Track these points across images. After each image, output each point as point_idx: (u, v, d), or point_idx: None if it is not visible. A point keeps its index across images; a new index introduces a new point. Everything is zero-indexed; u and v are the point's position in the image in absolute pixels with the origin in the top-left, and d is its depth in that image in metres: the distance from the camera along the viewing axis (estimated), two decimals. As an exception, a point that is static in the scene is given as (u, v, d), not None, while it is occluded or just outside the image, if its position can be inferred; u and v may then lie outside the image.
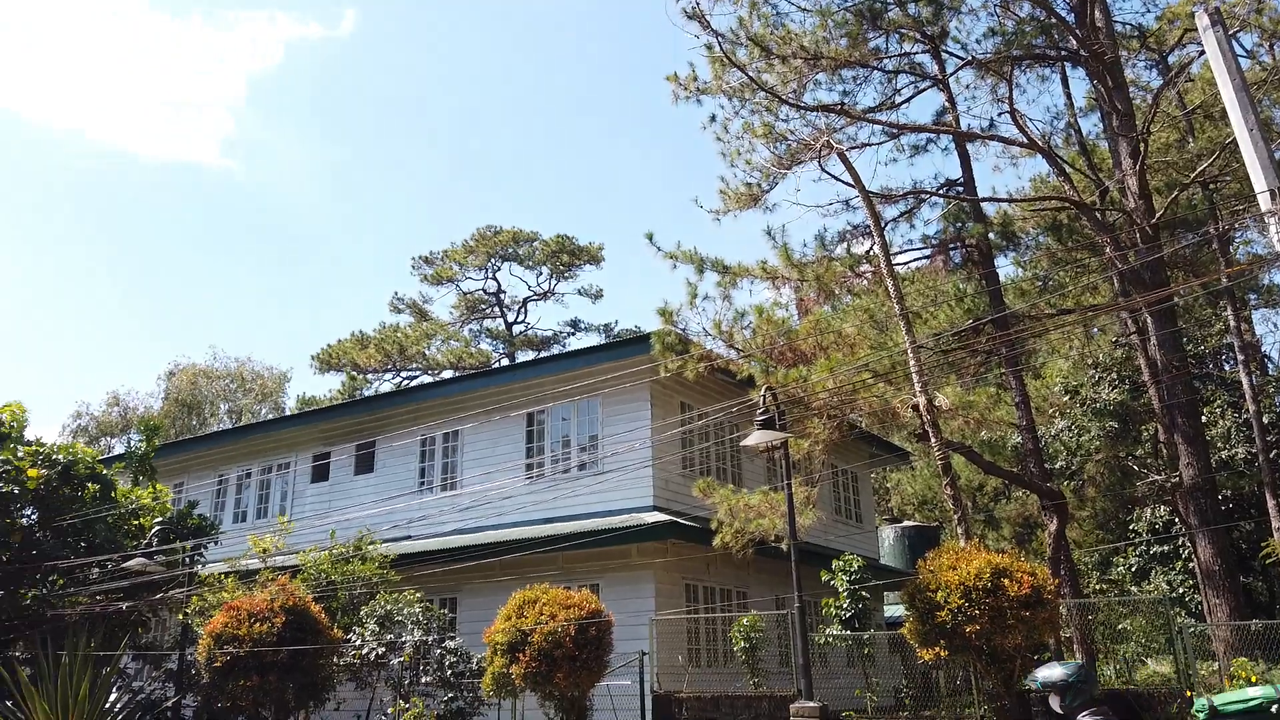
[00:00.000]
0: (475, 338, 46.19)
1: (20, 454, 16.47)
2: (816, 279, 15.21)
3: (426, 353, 42.63)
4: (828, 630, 13.39)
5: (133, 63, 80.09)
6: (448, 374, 39.66)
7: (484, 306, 46.78)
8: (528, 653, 11.64)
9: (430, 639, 14.82)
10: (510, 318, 46.78)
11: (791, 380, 13.66)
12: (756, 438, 12.31)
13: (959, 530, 12.90)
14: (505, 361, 42.23)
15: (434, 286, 46.36)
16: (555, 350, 43.11)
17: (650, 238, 15.74)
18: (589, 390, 17.25)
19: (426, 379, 40.45)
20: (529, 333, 46.55)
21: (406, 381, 41.99)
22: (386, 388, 41.88)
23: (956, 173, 17.37)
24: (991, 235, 16.37)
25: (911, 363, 13.07)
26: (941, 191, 16.79)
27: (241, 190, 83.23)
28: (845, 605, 13.47)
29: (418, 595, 15.78)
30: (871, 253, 16.10)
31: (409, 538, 18.71)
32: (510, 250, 44.83)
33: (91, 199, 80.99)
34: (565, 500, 17.44)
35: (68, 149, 78.94)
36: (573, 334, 46.53)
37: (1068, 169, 16.23)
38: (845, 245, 16.68)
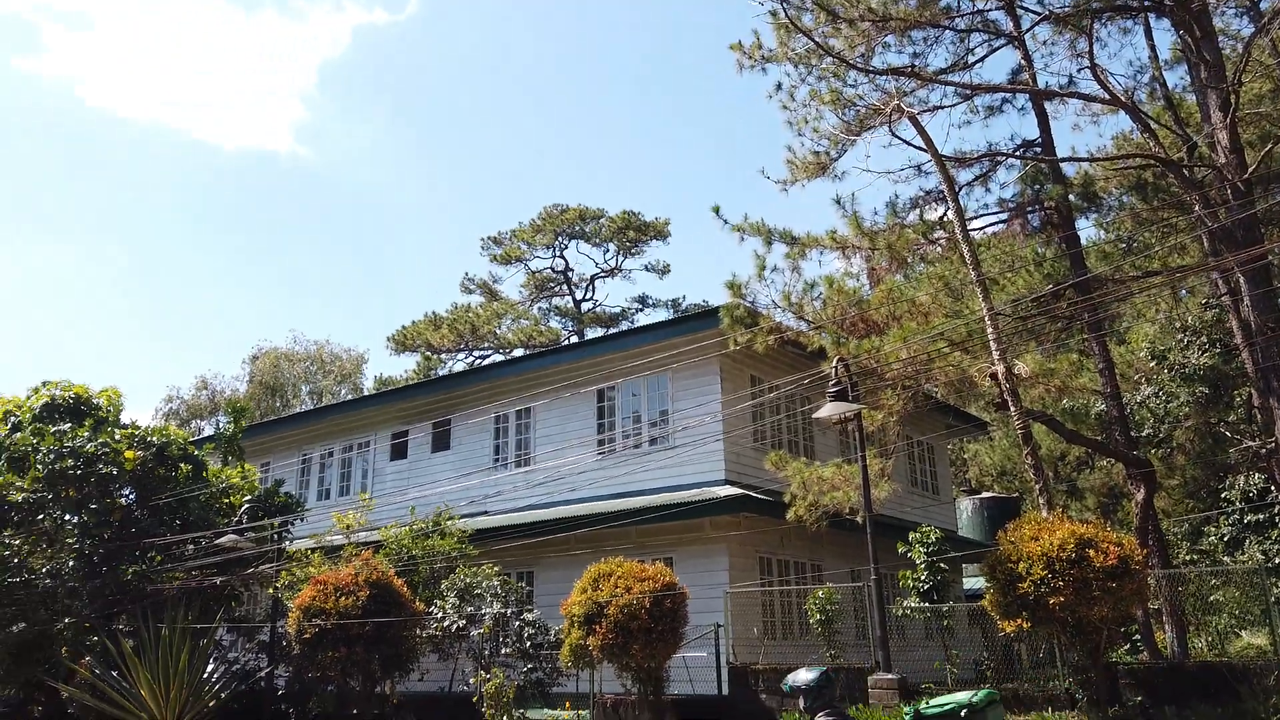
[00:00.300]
0: (544, 316, 46.62)
1: (118, 437, 17.24)
2: (888, 247, 14.90)
3: (497, 332, 43.18)
4: (905, 603, 13.25)
5: (211, 56, 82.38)
6: (518, 352, 40.12)
7: (552, 285, 47.12)
8: (604, 625, 11.79)
9: (509, 611, 15.12)
10: (578, 295, 47.06)
11: (864, 351, 13.46)
12: (829, 410, 12.19)
13: (1041, 501, 12.60)
14: (574, 339, 42.51)
15: (503, 266, 46.88)
16: (624, 327, 43.20)
17: (717, 210, 15.63)
18: (658, 366, 17.27)
19: (498, 358, 41.01)
20: (597, 310, 46.75)
21: (479, 361, 42.64)
22: (459, 367, 42.61)
23: (1034, 133, 16.80)
24: (1072, 197, 15.80)
25: (989, 330, 12.75)
26: (1018, 153, 16.24)
27: (315, 176, 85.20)
28: (923, 577, 13.31)
29: (495, 569, 16.09)
30: (945, 218, 15.70)
31: (485, 513, 19.07)
32: (577, 228, 44.99)
33: (177, 190, 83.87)
34: (637, 475, 17.54)
35: (153, 141, 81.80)
36: (641, 310, 46.62)
37: (1152, 125, 15.54)
38: (918, 212, 16.31)
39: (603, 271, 46.48)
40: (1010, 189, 16.50)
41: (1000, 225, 17.49)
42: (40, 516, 16.63)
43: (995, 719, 9.52)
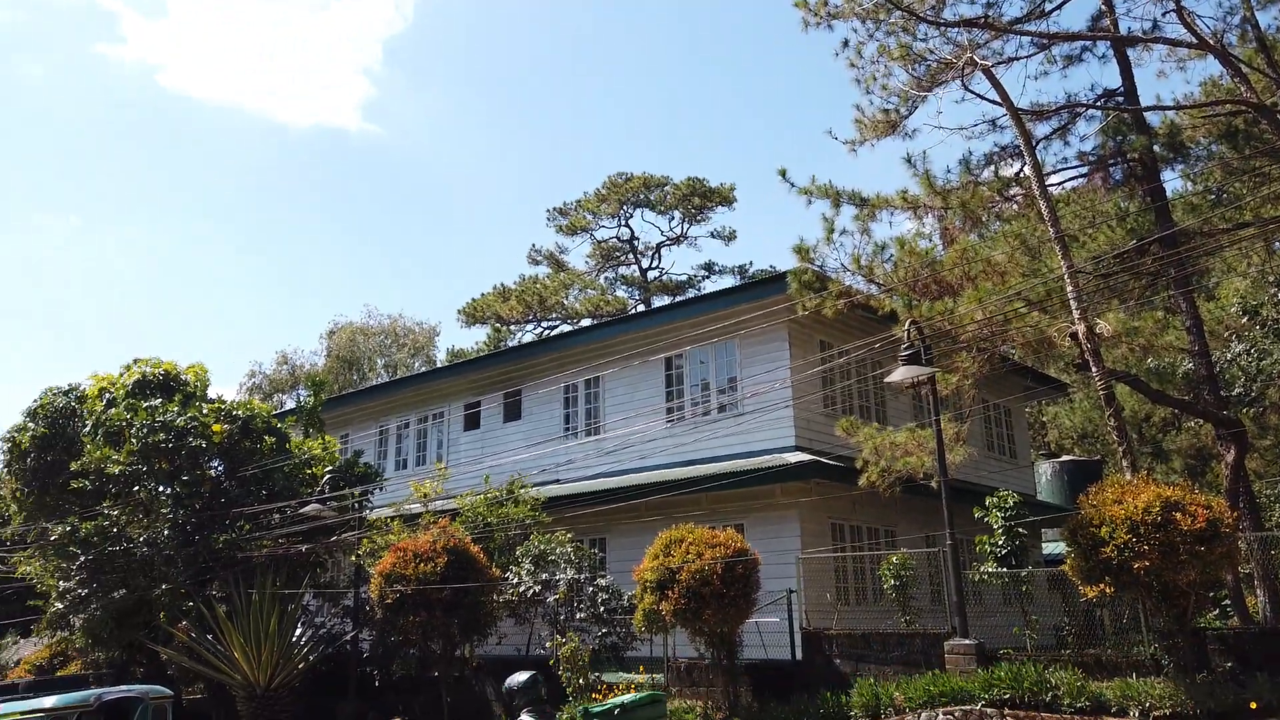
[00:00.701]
0: (611, 285, 46.71)
1: (205, 411, 17.91)
2: (962, 205, 14.49)
3: (565, 302, 43.46)
4: (982, 568, 13.04)
5: (278, 37, 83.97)
6: (586, 322, 40.33)
7: (618, 254, 47.14)
8: (676, 590, 11.88)
9: (582, 577, 15.35)
10: (644, 264, 46.99)
11: (937, 313, 13.17)
12: (901, 374, 12.00)
13: (1124, 463, 12.23)
14: (641, 308, 42.55)
15: (569, 237, 47.05)
16: (690, 294, 43.05)
17: (783, 174, 15.39)
18: (726, 333, 17.18)
19: (566, 328, 41.30)
20: (664, 278, 46.65)
21: (547, 331, 43.03)
22: (529, 338, 43.06)
23: (1115, 82, 16.10)
24: (1156, 147, 15.11)
25: (1069, 289, 12.34)
26: (1099, 103, 15.57)
27: (384, 152, 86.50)
28: (1000, 542, 13.07)
29: (569, 536, 16.32)
30: (1022, 174, 15.19)
31: (557, 481, 19.32)
32: (641, 196, 44.83)
33: (252, 170, 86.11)
34: (707, 442, 17.55)
35: (228, 123, 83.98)
36: (707, 277, 46.36)
37: (1244, 69, 14.73)
38: (992, 168, 15.78)
39: (668, 239, 46.32)
40: (1090, 141, 15.86)
41: (1080, 180, 16.85)
42: (136, 488, 17.43)
43: (650, 716, 11.14)
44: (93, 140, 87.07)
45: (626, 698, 11.06)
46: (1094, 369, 12.39)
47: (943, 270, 14.08)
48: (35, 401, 19.46)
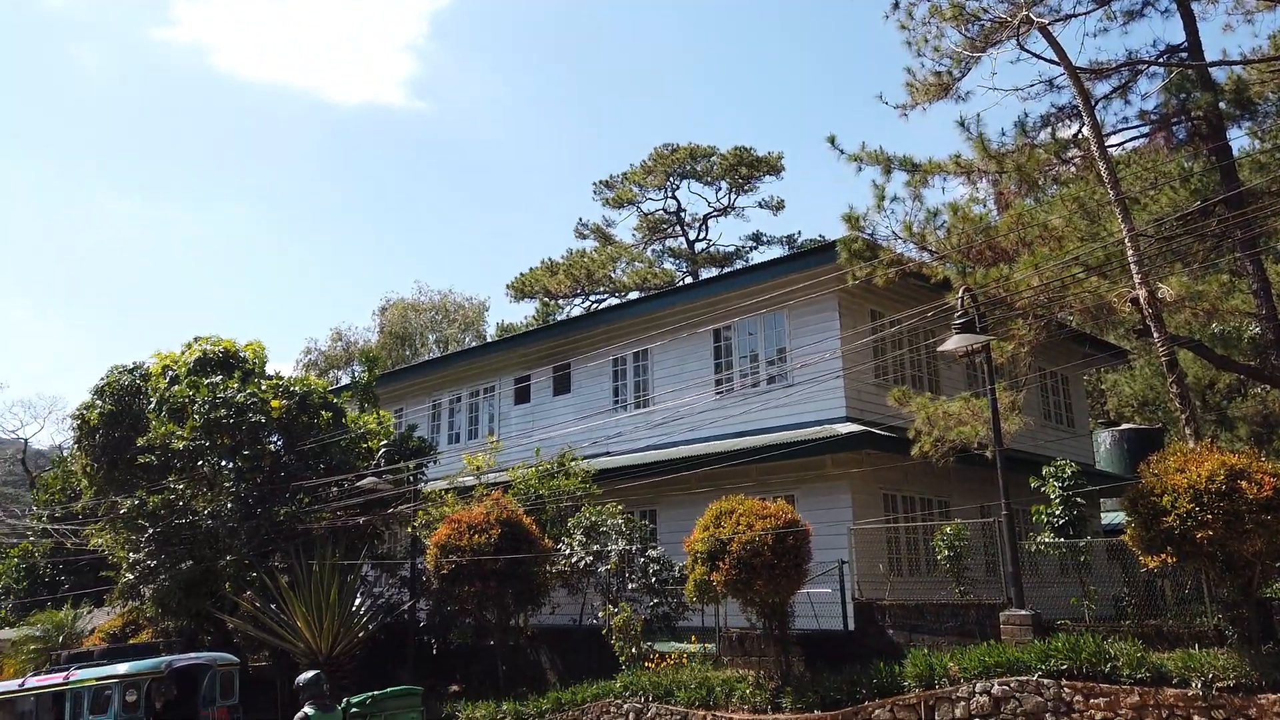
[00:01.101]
0: (658, 258, 46.56)
1: (264, 387, 18.33)
2: (1017, 169, 14.12)
3: (612, 276, 43.47)
4: (1039, 538, 12.84)
5: (325, 14, 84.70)
6: (634, 295, 40.31)
7: (665, 226, 46.94)
8: (727, 561, 11.91)
9: (634, 548, 15.47)
10: (691, 236, 46.74)
11: (992, 280, 12.90)
12: (955, 342, 11.80)
13: (1186, 431, 11.92)
14: (689, 280, 42.38)
15: (615, 210, 46.93)
16: (738, 266, 42.74)
17: (832, 140, 15.14)
18: (774, 304, 17.05)
19: (614, 301, 41.35)
20: (711, 250, 46.37)
21: (595, 305, 43.10)
22: (577, 312, 43.20)
23: (1178, 37, 15.45)
24: (1222, 104, 14.54)
25: (1129, 253, 12.00)
26: (1161, 60, 15.01)
27: (430, 128, 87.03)
28: (1058, 512, 12.85)
29: (619, 508, 16.44)
30: (1080, 135, 14.74)
31: (607, 454, 19.44)
32: (688, 167, 44.49)
33: (302, 148, 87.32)
34: (756, 414, 17.49)
35: (277, 102, 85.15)
36: (755, 248, 45.96)
37: (1318, 18, 14.08)
38: (1049, 130, 15.33)
39: (715, 210, 45.98)
40: (1152, 100, 15.31)
41: (1141, 140, 16.29)
42: (199, 463, 17.95)
43: (400, 706, 12.55)
44: (148, 124, 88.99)
45: (382, 691, 12.96)
46: (1155, 335, 12.06)
47: (997, 236, 13.77)
48: (102, 380, 20.08)
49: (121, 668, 13.45)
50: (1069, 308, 13.74)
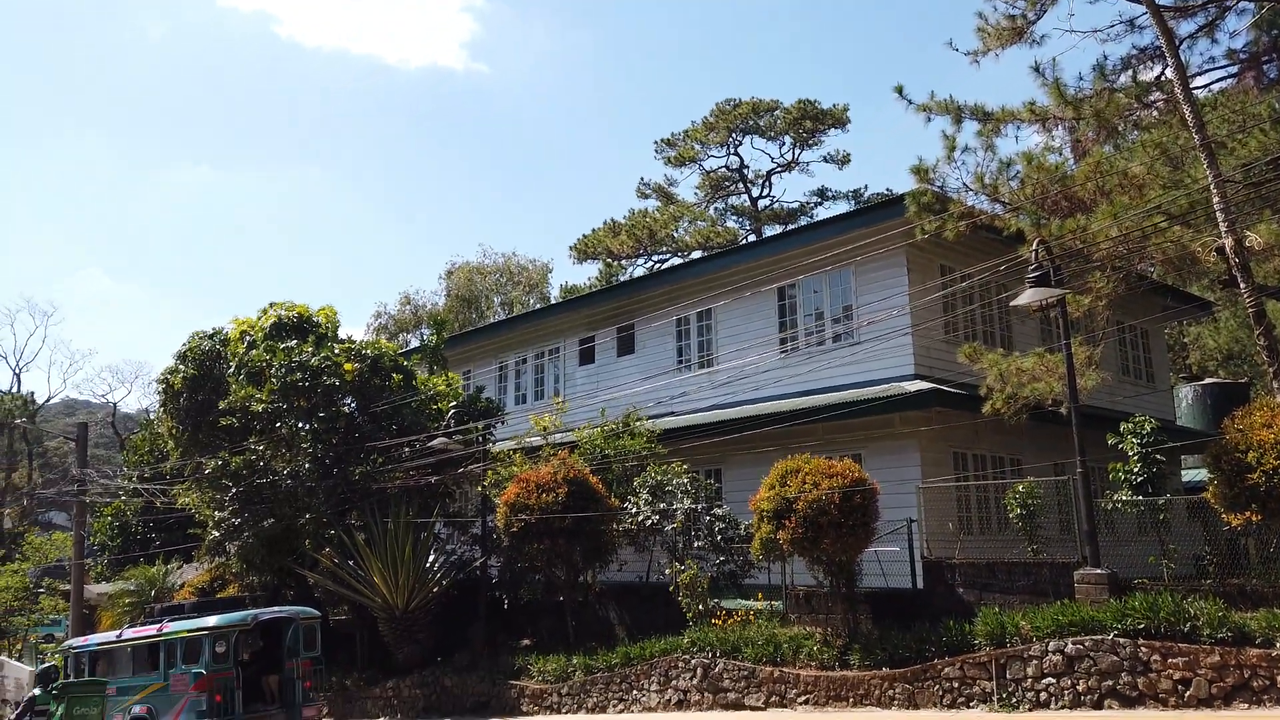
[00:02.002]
0: (721, 216, 46.11)
1: (337, 351, 18.80)
2: (1095, 115, 13.55)
3: (675, 235, 43.23)
4: (1115, 496, 12.53)
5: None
6: (697, 254, 40.07)
7: (728, 184, 46.40)
8: (793, 520, 11.91)
9: (699, 507, 15.55)
10: (755, 193, 46.13)
11: (1068, 231, 12.48)
12: (1029, 296, 11.50)
13: (1274, 385, 11.44)
14: (752, 238, 41.93)
15: (677, 169, 46.50)
16: (802, 222, 42.10)
17: (900, 91, 14.71)
18: (840, 260, 16.77)
19: (677, 261, 41.15)
20: (775, 206, 45.73)
21: (658, 265, 42.98)
22: (640, 272, 43.15)
23: (1272, -32, 14.56)
24: (1319, 39, 13.73)
25: (1215, 200, 11.47)
26: (1252, -6, 14.20)
27: (491, 91, 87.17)
28: (1135, 470, 12.50)
29: (684, 467, 16.52)
30: (1163, 78, 14.07)
31: (671, 414, 19.50)
32: (750, 122, 43.78)
33: (366, 114, 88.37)
34: (822, 372, 17.33)
35: (338, 68, 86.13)
36: (820, 204, 45.16)
37: None
38: (1130, 73, 14.65)
39: (779, 166, 45.24)
40: (1241, 38, 14.52)
41: (1229, 80, 15.48)
42: (278, 424, 18.53)
43: (85, 692, 13.33)
44: (216, 93, 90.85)
45: (70, 680, 14.29)
46: (1242, 285, 11.55)
47: (1074, 185, 13.28)
48: (184, 345, 20.78)
49: (211, 621, 14.09)
50: (1150, 259, 13.23)
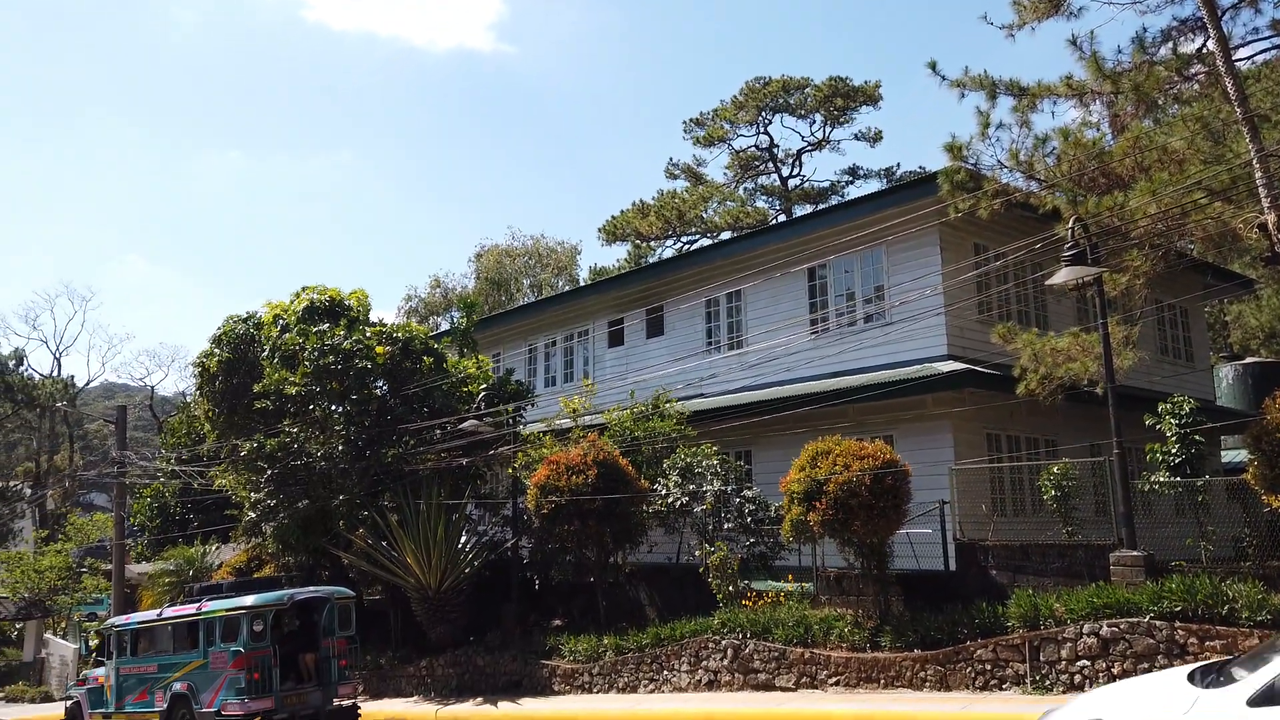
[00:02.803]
0: (750, 197, 45.79)
1: (369, 334, 18.94)
2: (1134, 89, 13.23)
3: (704, 216, 43.00)
4: (1152, 477, 12.34)
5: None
6: (726, 235, 39.85)
7: (757, 163, 46.04)
8: (824, 501, 11.87)
9: (729, 489, 15.54)
10: (785, 172, 45.73)
11: (1105, 208, 12.24)
12: (1064, 275, 11.32)
13: (1320, 365, 11.18)
14: (782, 218, 41.61)
15: (706, 149, 46.20)
16: (833, 201, 41.71)
17: (933, 66, 14.45)
18: (872, 240, 16.60)
19: (706, 242, 40.97)
20: (805, 186, 45.32)
21: (687, 246, 42.82)
22: (669, 254, 43.02)
23: (1320, -65, 14.11)
24: (1369, 7, 13.30)
25: (1257, 175, 11.19)
26: (1299, -39, 13.76)
27: (519, 73, 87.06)
28: (1173, 450, 12.30)
29: (714, 449, 16.49)
30: (1204, 50, 13.71)
31: (701, 395, 19.47)
32: (780, 101, 43.34)
33: (392, 97, 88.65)
34: (853, 353, 17.20)
35: (364, 51, 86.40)
36: (851, 182, 44.69)
37: None
38: (1170, 45, 14.27)
39: (809, 145, 44.79)
40: (1287, 6, 14.07)
41: (1273, 52, 15.05)
42: (311, 407, 18.74)
43: None
44: (244, 78, 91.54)
45: None
46: (1286, 262, 11.28)
47: (1112, 161, 13.00)
48: (219, 329, 21.05)
49: (248, 600, 14.33)
50: (1189, 235, 12.95)
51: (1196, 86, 13.77)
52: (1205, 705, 5.00)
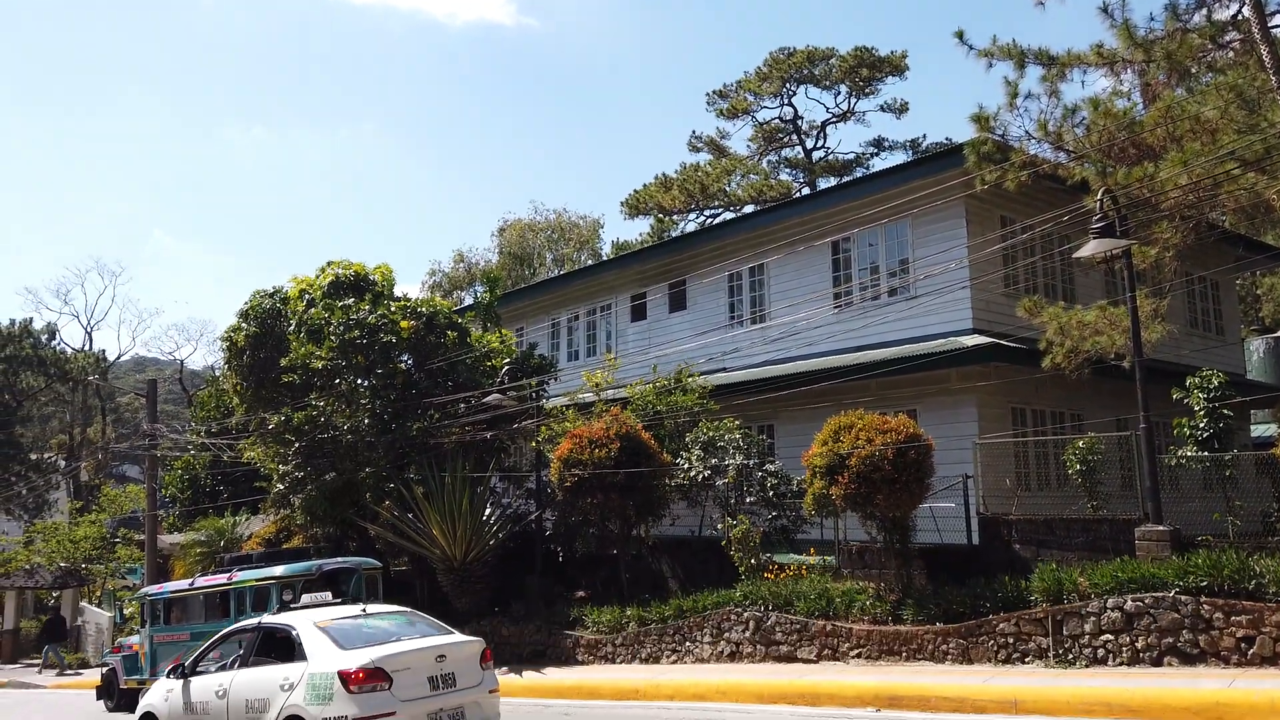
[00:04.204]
0: (774, 169, 45.43)
1: (393, 309, 19.06)
2: (1167, 57, 12.97)
3: (727, 189, 42.74)
4: (1180, 452, 12.23)
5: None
6: (749, 209, 39.60)
7: (781, 135, 45.63)
8: (846, 475, 11.87)
9: (751, 463, 15.57)
10: (809, 144, 45.30)
11: (1135, 179, 12.05)
12: (1093, 247, 11.17)
13: (1353, 339, 10.99)
14: (806, 191, 41.27)
15: (729, 121, 45.84)
16: (858, 174, 41.30)
17: (960, 36, 14.23)
18: (897, 212, 16.45)
19: (729, 216, 40.77)
20: (829, 158, 44.90)
21: (710, 220, 42.62)
22: (691, 228, 42.82)
23: (1362, -105, 13.71)
24: None
25: (1292, 144, 10.96)
26: (1340, -77, 13.39)
27: (540, 46, 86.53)
28: (1201, 425, 12.18)
29: (736, 423, 16.51)
30: (1239, 16, 13.40)
31: (723, 370, 19.46)
32: (805, 71, 42.86)
33: (413, 71, 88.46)
34: (876, 327, 17.11)
35: (384, 24, 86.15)
36: (876, 154, 44.22)
37: None
38: (1204, 12, 13.96)
39: (834, 116, 44.32)
40: (1327, -29, 13.71)
41: (1312, 17, 14.69)
42: (337, 381, 18.93)
43: None
44: (266, 54, 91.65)
45: None
46: (1321, 234, 11.08)
47: (1143, 131, 12.77)
48: (246, 304, 21.25)
49: (278, 570, 14.58)
50: (1221, 207, 12.74)
51: (1231, 54, 13.48)
52: None
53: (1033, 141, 13.74)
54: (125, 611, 19.52)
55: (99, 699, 18.08)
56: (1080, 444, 12.65)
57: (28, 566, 31.58)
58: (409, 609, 10.74)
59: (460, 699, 8.95)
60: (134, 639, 17.50)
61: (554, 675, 14.49)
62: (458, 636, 9.68)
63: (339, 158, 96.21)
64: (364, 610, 9.96)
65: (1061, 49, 13.88)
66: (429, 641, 9.26)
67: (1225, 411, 12.22)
